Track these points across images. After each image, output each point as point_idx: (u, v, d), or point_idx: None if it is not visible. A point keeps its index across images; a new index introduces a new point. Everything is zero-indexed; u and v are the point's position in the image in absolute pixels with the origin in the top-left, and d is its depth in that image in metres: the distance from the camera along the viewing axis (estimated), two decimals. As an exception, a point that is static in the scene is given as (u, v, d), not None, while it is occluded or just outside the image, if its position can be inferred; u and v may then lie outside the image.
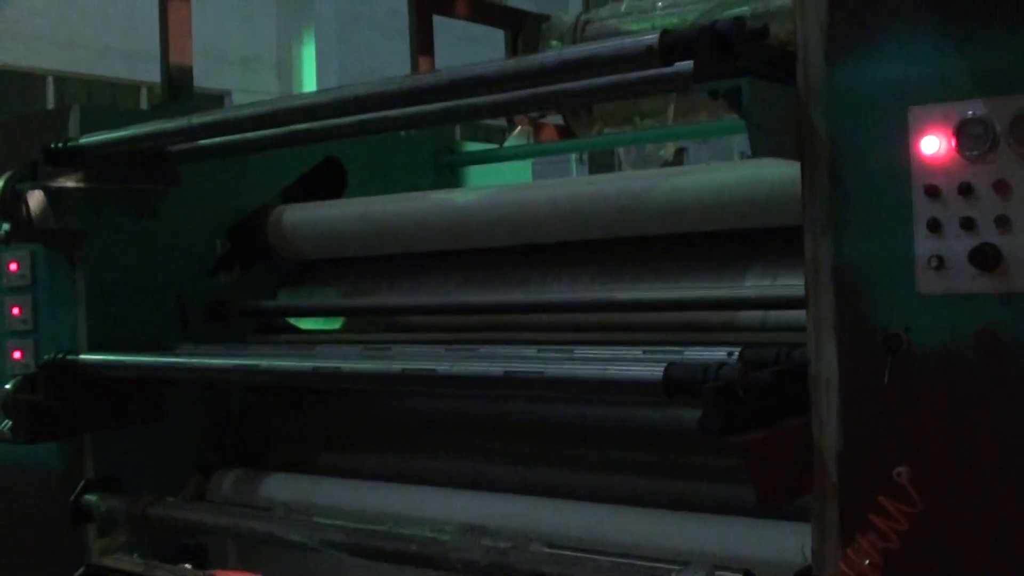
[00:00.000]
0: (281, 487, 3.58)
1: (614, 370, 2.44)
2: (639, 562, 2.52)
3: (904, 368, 2.15)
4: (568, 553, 2.63)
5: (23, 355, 3.76)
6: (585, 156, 12.41)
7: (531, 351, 2.87)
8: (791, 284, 2.73)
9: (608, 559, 2.55)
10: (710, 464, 2.81)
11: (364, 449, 3.64)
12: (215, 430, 3.88)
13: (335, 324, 4.01)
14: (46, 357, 3.55)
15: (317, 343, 3.70)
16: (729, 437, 2.16)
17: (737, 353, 2.51)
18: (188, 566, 1.12)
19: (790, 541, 2.37)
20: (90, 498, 3.54)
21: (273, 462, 3.76)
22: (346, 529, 2.98)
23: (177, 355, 3.50)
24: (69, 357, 3.52)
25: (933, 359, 2.12)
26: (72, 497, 3.55)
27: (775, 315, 2.91)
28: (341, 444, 3.72)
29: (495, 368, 2.62)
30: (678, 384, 2.32)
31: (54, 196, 3.55)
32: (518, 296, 3.41)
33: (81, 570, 3.34)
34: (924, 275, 2.13)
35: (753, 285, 2.99)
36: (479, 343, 3.14)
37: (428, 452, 3.48)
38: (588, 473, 3.11)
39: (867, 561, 2.13)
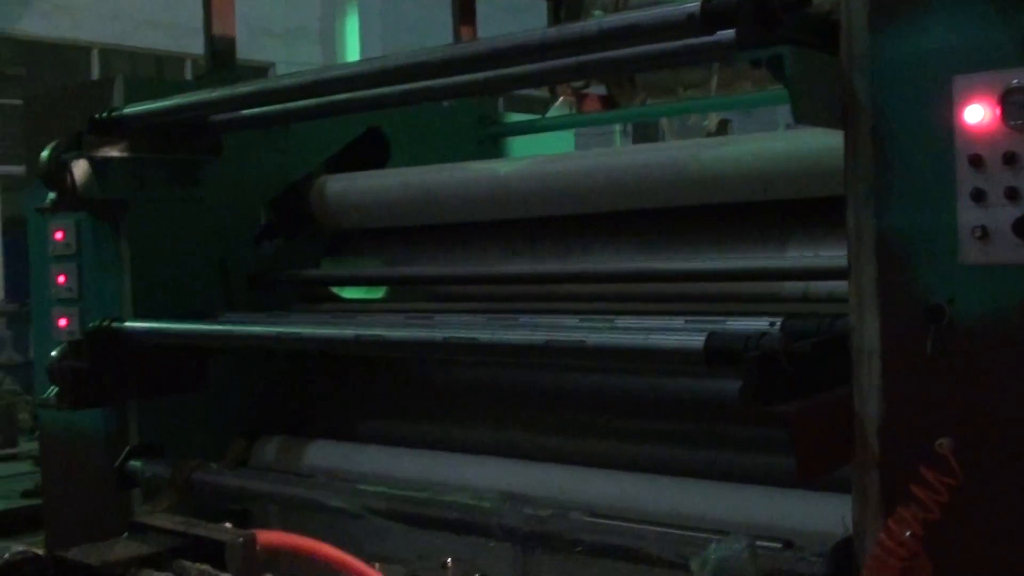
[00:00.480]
0: (323, 454, 3.60)
1: (655, 339, 2.44)
2: (679, 531, 2.52)
3: (947, 339, 2.13)
4: (608, 522, 2.63)
5: (68, 323, 3.80)
6: (629, 128, 12.37)
7: (573, 321, 2.87)
8: (834, 255, 2.71)
9: (648, 528, 2.56)
10: (751, 435, 2.81)
11: (405, 417, 3.66)
12: (258, 398, 3.91)
13: (377, 293, 4.02)
14: (91, 325, 3.58)
15: (359, 312, 3.71)
16: (769, 407, 2.15)
17: (779, 323, 2.51)
18: (228, 524, 1.13)
19: (830, 512, 2.36)
20: (135, 464, 3.57)
21: (316, 429, 3.78)
22: (387, 496, 3.00)
23: (220, 323, 3.52)
24: (114, 325, 3.55)
25: (976, 330, 2.11)
26: (117, 463, 3.59)
27: (817, 286, 2.89)
28: (383, 412, 3.73)
29: (537, 337, 2.63)
30: (719, 353, 2.32)
31: (98, 166, 3.57)
32: (560, 266, 3.41)
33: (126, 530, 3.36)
34: (968, 246, 2.11)
35: (795, 256, 2.98)
36: (521, 313, 3.14)
37: (468, 421, 3.49)
38: (629, 443, 3.10)
39: (908, 532, 2.12)
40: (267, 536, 1.19)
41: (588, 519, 2.65)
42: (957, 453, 2.10)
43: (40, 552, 1.13)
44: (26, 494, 7.29)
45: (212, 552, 1.03)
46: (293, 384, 3.94)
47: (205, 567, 0.98)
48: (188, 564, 0.98)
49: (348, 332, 3.02)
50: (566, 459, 3.16)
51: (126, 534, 1.14)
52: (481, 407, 3.47)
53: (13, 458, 8.99)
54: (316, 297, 4.01)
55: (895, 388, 2.19)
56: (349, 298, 4.02)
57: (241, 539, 1.10)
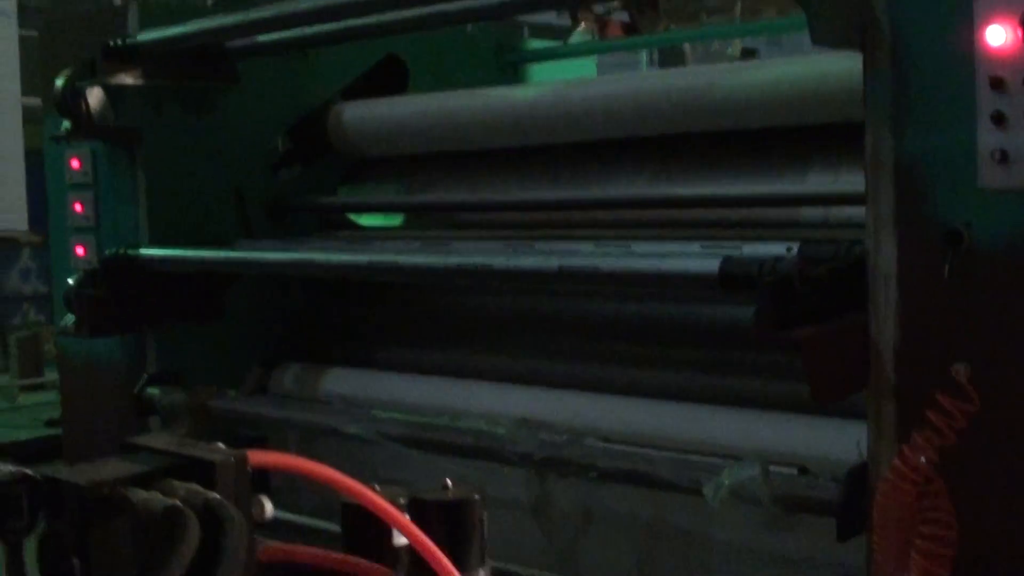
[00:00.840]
0: (341, 381, 3.61)
1: (669, 264, 2.43)
2: (693, 457, 2.53)
3: (964, 264, 2.11)
4: (622, 448, 2.64)
5: (86, 251, 3.80)
6: (655, 56, 12.27)
7: (589, 247, 2.86)
8: (854, 180, 2.68)
9: (662, 453, 2.56)
10: (767, 361, 2.80)
11: (423, 344, 3.67)
12: (276, 326, 3.92)
13: (395, 221, 4.01)
14: (107, 253, 3.59)
15: (376, 239, 3.71)
16: (784, 332, 2.14)
17: (796, 249, 2.49)
18: (221, 444, 1.14)
19: (845, 438, 2.35)
20: (152, 391, 3.59)
21: (334, 357, 3.80)
22: (403, 422, 3.01)
23: (235, 250, 3.53)
24: (130, 252, 3.55)
25: (994, 255, 2.08)
26: (135, 390, 3.62)
27: (837, 211, 2.87)
28: (400, 340, 3.74)
29: (550, 262, 2.62)
30: (734, 278, 2.31)
31: (113, 93, 3.57)
32: (578, 193, 3.39)
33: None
34: (987, 169, 2.08)
35: (815, 181, 2.96)
36: (539, 240, 3.13)
37: (486, 348, 3.49)
38: (645, 370, 3.10)
39: (922, 458, 2.11)
40: (259, 456, 1.20)
41: (602, 445, 2.66)
42: (973, 379, 2.08)
43: (30, 472, 1.14)
44: (50, 423, 7.34)
45: (204, 472, 1.04)
46: (311, 312, 3.95)
47: (194, 486, 0.99)
48: (177, 483, 0.98)
49: (361, 258, 3.02)
50: (582, 386, 3.17)
51: (118, 454, 1.15)
52: (499, 335, 3.48)
53: (40, 388, 9.06)
54: (333, 225, 4.01)
55: (911, 313, 2.18)
56: (367, 226, 4.02)
57: (232, 458, 1.11)
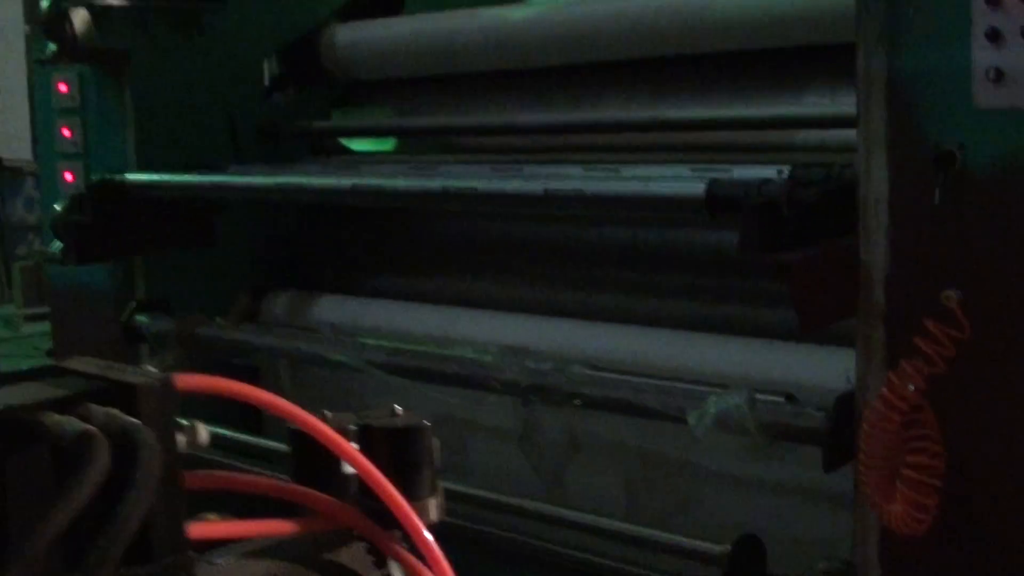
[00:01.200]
0: (331, 309, 3.58)
1: (655, 187, 2.38)
2: (679, 384, 2.48)
3: (957, 187, 2.05)
4: (608, 375, 2.60)
5: (74, 177, 3.76)
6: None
7: (577, 170, 2.80)
8: (851, 102, 2.61)
9: (648, 381, 2.52)
10: (755, 287, 2.75)
11: (414, 272, 3.62)
12: (267, 253, 3.87)
13: (388, 146, 3.95)
14: (93, 179, 3.54)
15: (367, 164, 3.66)
16: (770, 256, 2.09)
17: (787, 172, 2.43)
18: (151, 367, 1.10)
19: (834, 366, 2.31)
20: (141, 319, 3.56)
21: (325, 284, 3.76)
22: (389, 350, 2.97)
23: (225, 175, 3.48)
24: (116, 178, 3.50)
25: (988, 178, 2.02)
26: (123, 318, 3.58)
27: (834, 135, 2.80)
28: (392, 266, 3.70)
29: (535, 186, 2.57)
30: (720, 201, 2.25)
31: (99, 14, 3.50)
32: (572, 116, 3.33)
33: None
34: (981, 88, 2.01)
35: (812, 104, 2.88)
36: (529, 164, 3.07)
37: (476, 275, 3.44)
38: (633, 296, 3.06)
39: (911, 386, 2.06)
40: (187, 379, 1.15)
41: (588, 372, 2.61)
42: (964, 305, 2.03)
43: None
44: (50, 353, 7.34)
45: (127, 396, 1.00)
46: (302, 239, 3.91)
47: (113, 411, 0.94)
48: (95, 408, 0.93)
49: (345, 182, 2.97)
50: (572, 313, 3.12)
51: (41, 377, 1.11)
52: (490, 261, 3.43)
53: (44, 317, 9.04)
54: (326, 150, 3.95)
55: (902, 238, 2.12)
56: (360, 151, 3.96)
57: (156, 382, 1.06)
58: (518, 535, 2.74)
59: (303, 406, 3.21)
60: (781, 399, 2.34)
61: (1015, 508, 2.07)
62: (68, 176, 3.78)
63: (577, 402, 2.57)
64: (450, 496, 2.90)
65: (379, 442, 1.28)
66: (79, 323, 3.85)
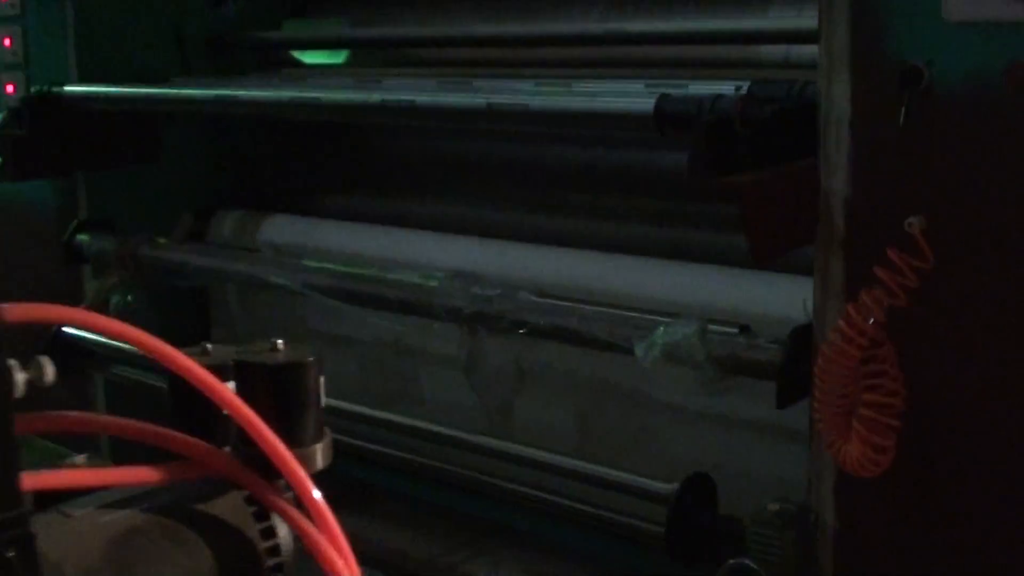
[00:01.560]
0: (279, 229, 3.42)
1: (603, 102, 2.21)
2: (629, 313, 2.34)
3: (924, 106, 1.88)
4: (556, 303, 2.45)
5: (15, 89, 3.58)
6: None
7: (529, 84, 2.63)
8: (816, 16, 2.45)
9: (597, 309, 2.37)
10: (713, 212, 2.59)
11: (366, 192, 3.46)
12: (215, 170, 3.70)
13: (341, 59, 3.76)
14: (31, 90, 3.36)
15: (316, 77, 3.48)
16: (721, 178, 1.93)
17: (745, 88, 2.26)
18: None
19: (791, 294, 2.16)
20: (82, 238, 3.40)
21: (274, 204, 3.59)
22: (332, 273, 2.82)
23: (170, 87, 3.31)
24: (54, 90, 3.33)
25: (956, 96, 1.86)
26: (65, 237, 3.42)
27: (800, 51, 2.64)
28: (343, 186, 3.53)
29: (477, 100, 2.40)
30: (669, 118, 2.09)
31: (37, -82, 3.31)
32: (527, 28, 3.14)
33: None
34: (951, 0, 1.86)
35: (777, 17, 2.71)
36: (481, 78, 2.90)
37: (430, 196, 3.29)
38: (588, 220, 2.90)
39: (870, 319, 1.92)
40: (22, 310, 1.00)
41: (535, 299, 2.46)
42: (928, 234, 1.88)
43: None
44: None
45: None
46: (252, 156, 3.73)
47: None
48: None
49: (284, 94, 2.80)
50: (527, 235, 2.97)
51: None
52: (443, 181, 3.27)
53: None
54: (277, 62, 3.76)
55: (864, 160, 1.96)
56: (311, 63, 3.77)
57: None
58: (463, 469, 2.60)
59: (247, 330, 3.08)
60: (734, 330, 2.19)
61: (976, 448, 1.94)
62: (9, 88, 3.59)
63: (523, 331, 2.43)
64: (391, 427, 2.82)
65: (257, 381, 1.13)
66: (21, 241, 3.68)
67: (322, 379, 1.16)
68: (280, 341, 1.16)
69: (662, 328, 2.16)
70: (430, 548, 3.16)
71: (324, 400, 1.16)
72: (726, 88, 2.24)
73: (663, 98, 2.11)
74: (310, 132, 3.53)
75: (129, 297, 3.36)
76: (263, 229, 3.44)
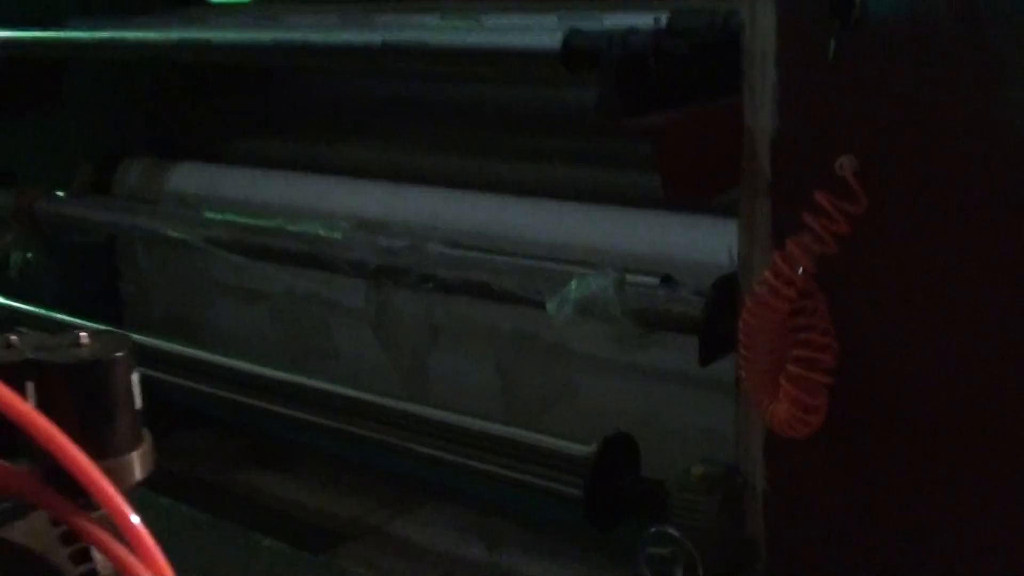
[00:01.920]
0: (188, 178, 3.18)
1: (507, 39, 2.00)
2: (545, 264, 2.13)
3: (855, 39, 1.68)
4: (466, 253, 2.24)
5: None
6: None
7: (435, 20, 2.41)
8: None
9: (508, 260, 2.17)
10: (635, 151, 2.38)
11: (279, 136, 3.22)
12: (121, 117, 3.45)
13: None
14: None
15: (224, 16, 3.22)
16: (632, 119, 1.72)
17: (664, 20, 2.04)
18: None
19: (721, 238, 1.96)
20: (-22, 192, 3.16)
21: (183, 151, 3.35)
22: (232, 226, 2.60)
23: (67, 30, 3.05)
24: (-63, 34, 3.07)
25: (891, 27, 1.66)
26: (-41, 191, 3.18)
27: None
28: (255, 130, 3.29)
29: (373, 37, 2.17)
30: (578, 54, 1.87)
31: None
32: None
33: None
34: (884, -83, 1.65)
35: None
36: (386, 14, 2.66)
37: (344, 139, 3.05)
38: (510, 163, 2.68)
39: (799, 269, 1.72)
40: None
41: (444, 251, 2.25)
42: (861, 176, 1.68)
43: None
44: None
45: None
46: (157, 100, 3.47)
47: None
48: None
49: (173, 36, 2.56)
50: (443, 179, 2.75)
51: None
52: (359, 124, 3.04)
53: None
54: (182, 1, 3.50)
55: (792, 97, 1.76)
56: (218, 2, 3.51)
57: None
58: (379, 432, 2.40)
59: (156, 285, 2.83)
60: (654, 281, 1.99)
61: (911, 405, 1.76)
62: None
63: (430, 285, 2.22)
64: (303, 390, 2.60)
65: (55, 383, 0.92)
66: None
67: (136, 376, 0.95)
68: (85, 333, 0.95)
69: (575, 281, 1.96)
70: (356, 507, 2.99)
71: (139, 401, 0.95)
72: (644, 21, 2.02)
73: (572, 33, 1.90)
74: (218, 74, 3.29)
75: (28, 254, 3.12)
76: (170, 178, 3.20)
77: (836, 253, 1.69)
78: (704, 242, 2.12)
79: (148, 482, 1.00)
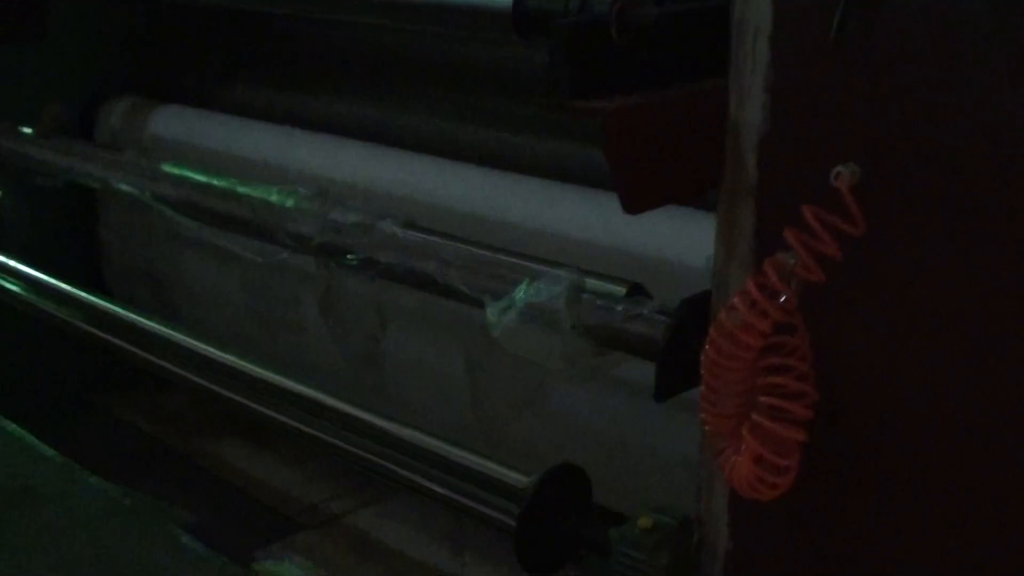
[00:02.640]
0: (169, 122, 2.89)
1: (457, -2, 1.64)
2: (495, 256, 1.79)
3: (868, 18, 1.32)
4: (419, 236, 1.90)
5: None
6: None
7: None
8: None
9: (461, 248, 1.82)
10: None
11: (268, 84, 2.90)
12: (108, 54, 3.14)
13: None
14: None
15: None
16: (579, 100, 1.36)
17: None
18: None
19: (695, 234, 1.61)
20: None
21: (171, 93, 3.04)
22: (183, 183, 2.28)
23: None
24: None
25: (911, 5, 1.29)
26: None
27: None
28: (245, 77, 2.97)
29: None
30: (529, 17, 1.51)
31: None
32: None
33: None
34: None
35: None
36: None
37: (331, 92, 2.73)
38: (500, 131, 2.35)
39: (780, 297, 1.36)
40: None
41: (396, 232, 1.90)
42: (859, 189, 1.32)
43: None
44: None
45: None
46: (146, 37, 3.15)
47: None
48: None
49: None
50: (433, 144, 2.42)
51: None
52: (347, 78, 2.71)
53: None
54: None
55: (787, 85, 1.40)
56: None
57: None
58: (324, 433, 2.09)
59: (132, 233, 2.51)
60: (619, 291, 1.64)
61: (904, 463, 1.40)
62: None
63: (373, 272, 1.88)
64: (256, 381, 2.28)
65: None
66: None
67: None
68: None
69: (523, 285, 1.61)
70: (320, 493, 2.70)
71: None
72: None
73: (528, -7, 1.54)
74: (209, 16, 2.96)
75: (-1, 192, 2.84)
76: (151, 121, 2.89)
77: (821, 280, 1.33)
78: (674, 237, 1.77)
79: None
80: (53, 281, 2.63)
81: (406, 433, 1.88)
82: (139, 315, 2.46)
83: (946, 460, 1.37)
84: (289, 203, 2.05)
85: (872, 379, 1.40)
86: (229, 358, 2.25)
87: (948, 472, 1.37)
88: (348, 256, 1.91)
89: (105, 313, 2.50)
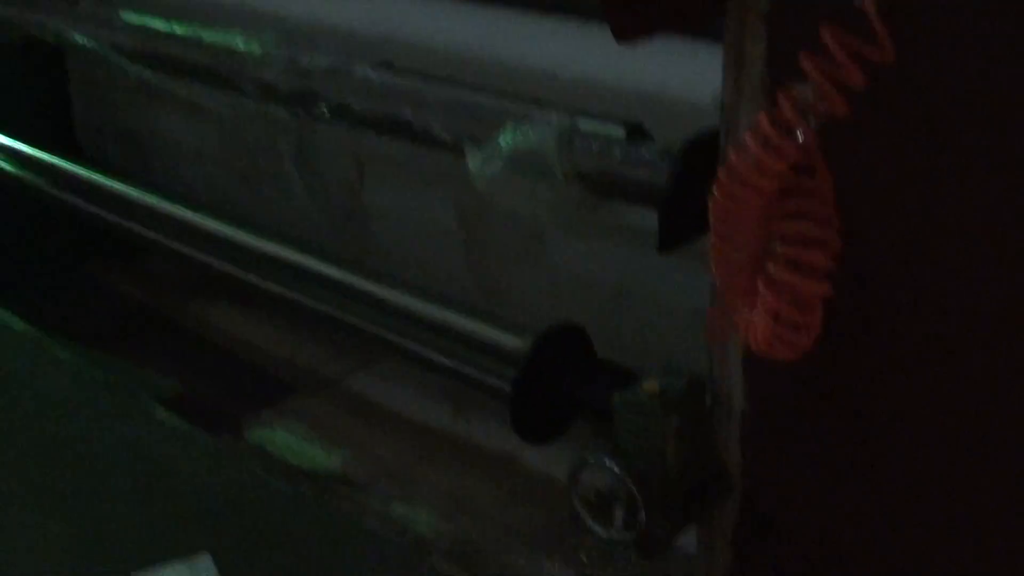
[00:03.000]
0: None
1: None
2: (483, 100, 1.60)
3: None
4: (390, 79, 1.71)
5: None
6: None
7: None
8: None
9: (441, 91, 1.64)
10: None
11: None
12: None
13: None
14: None
15: None
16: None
17: None
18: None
19: (700, 67, 1.43)
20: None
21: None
22: (143, 32, 2.08)
23: None
24: None
25: None
26: None
27: None
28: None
29: None
30: None
31: None
32: None
33: None
34: None
35: None
36: None
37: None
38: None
39: (797, 133, 1.18)
40: None
41: (369, 76, 1.72)
42: (890, 10, 1.12)
43: None
44: None
45: None
46: None
47: None
48: None
49: None
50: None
51: None
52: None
53: None
54: None
55: None
56: None
57: None
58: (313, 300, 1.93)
59: (106, 91, 2.33)
60: (618, 132, 1.45)
61: (933, 320, 1.24)
62: None
63: (346, 122, 1.70)
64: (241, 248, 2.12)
65: None
66: None
67: None
68: None
69: (508, 128, 1.43)
70: (314, 356, 2.56)
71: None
72: None
73: None
74: None
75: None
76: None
77: (845, 113, 1.15)
78: (679, 65, 1.58)
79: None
80: (28, 149, 2.47)
81: (396, 297, 1.73)
82: (117, 181, 2.30)
83: (977, 318, 1.21)
84: (255, 49, 1.86)
85: (904, 230, 1.23)
86: (211, 223, 2.10)
87: (980, 332, 1.21)
88: (320, 104, 1.73)
89: (83, 180, 2.35)
